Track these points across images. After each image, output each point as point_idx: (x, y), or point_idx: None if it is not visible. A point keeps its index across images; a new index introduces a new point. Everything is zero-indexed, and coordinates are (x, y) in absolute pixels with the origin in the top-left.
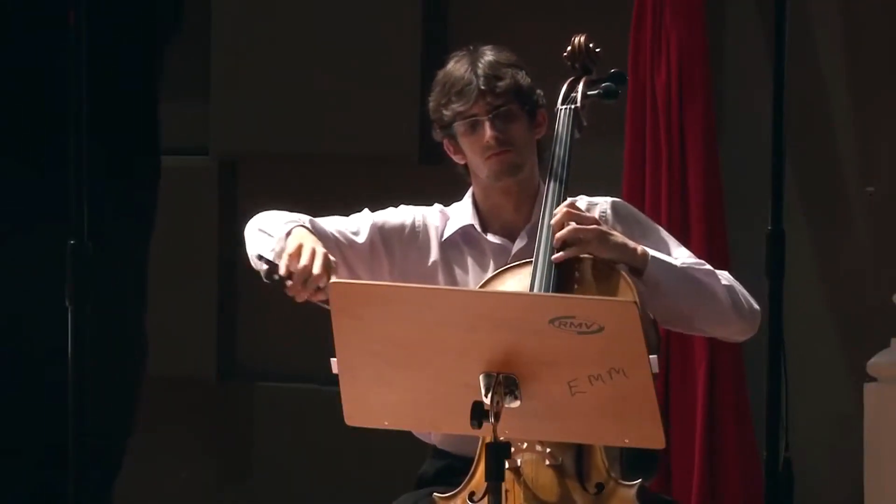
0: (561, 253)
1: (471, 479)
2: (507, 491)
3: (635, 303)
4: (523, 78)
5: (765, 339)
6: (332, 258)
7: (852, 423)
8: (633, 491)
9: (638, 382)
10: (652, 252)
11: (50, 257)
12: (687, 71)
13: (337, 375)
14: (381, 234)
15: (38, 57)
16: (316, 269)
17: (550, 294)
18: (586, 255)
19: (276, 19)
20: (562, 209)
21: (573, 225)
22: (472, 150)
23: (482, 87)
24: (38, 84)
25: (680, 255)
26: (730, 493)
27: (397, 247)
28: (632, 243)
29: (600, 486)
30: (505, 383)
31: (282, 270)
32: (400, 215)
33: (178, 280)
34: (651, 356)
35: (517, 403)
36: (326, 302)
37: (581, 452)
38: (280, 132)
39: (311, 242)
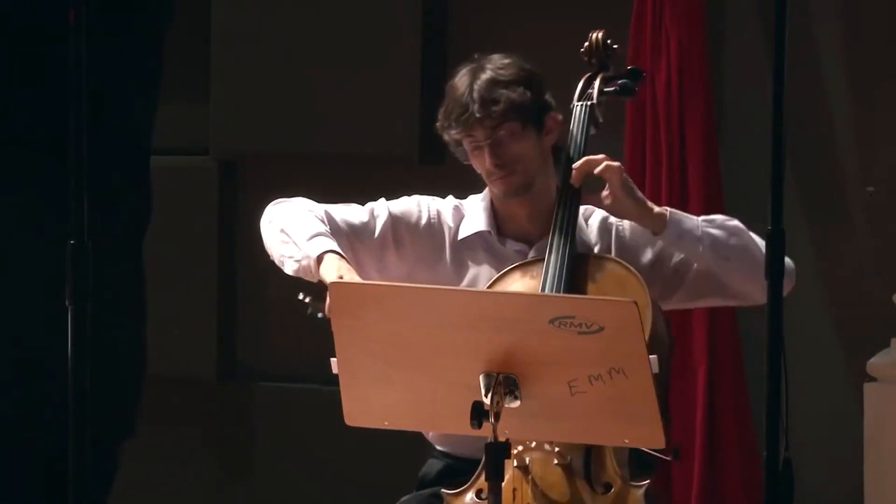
0: (579, 167)
1: (479, 476)
2: (515, 489)
3: (635, 303)
4: (521, 94)
5: (765, 339)
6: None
7: (852, 423)
8: (641, 492)
9: (638, 382)
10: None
11: (50, 257)
12: (687, 71)
13: (337, 375)
14: (394, 228)
15: (38, 56)
16: None
17: (551, 294)
18: (599, 255)
19: (276, 19)
20: (583, 159)
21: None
22: (480, 171)
23: (478, 115)
24: (37, 82)
25: None
26: (730, 493)
27: (408, 241)
28: (651, 204)
29: (608, 486)
30: (505, 383)
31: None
32: (415, 208)
33: (178, 280)
34: (651, 356)
35: (517, 403)
36: None
37: (590, 452)
38: (280, 132)
39: (348, 275)
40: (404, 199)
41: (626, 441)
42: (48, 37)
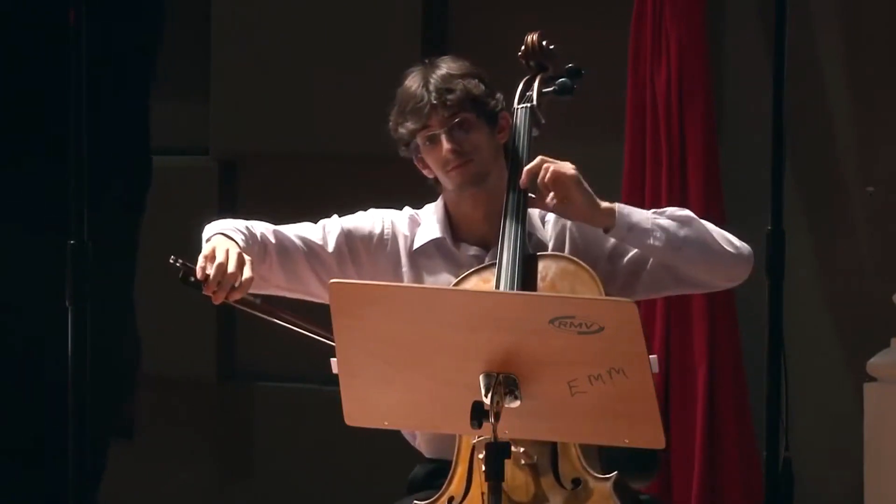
0: (526, 173)
1: (449, 483)
2: (483, 493)
3: (636, 303)
4: (476, 86)
5: (765, 339)
6: (246, 256)
7: (852, 423)
8: (609, 484)
9: (638, 382)
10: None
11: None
12: (687, 71)
13: (337, 375)
14: (349, 243)
15: (37, 59)
16: (230, 268)
17: (551, 294)
18: (550, 254)
19: (276, 19)
20: (536, 159)
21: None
22: (435, 165)
23: (434, 102)
24: (37, 86)
25: None
26: (730, 493)
27: (364, 255)
28: (598, 200)
29: (577, 482)
30: (505, 383)
31: (197, 272)
32: (368, 222)
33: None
34: (651, 356)
35: (517, 403)
36: (241, 302)
37: (556, 450)
38: (280, 132)
39: (224, 244)
40: (358, 213)
41: (626, 441)
42: (48, 37)
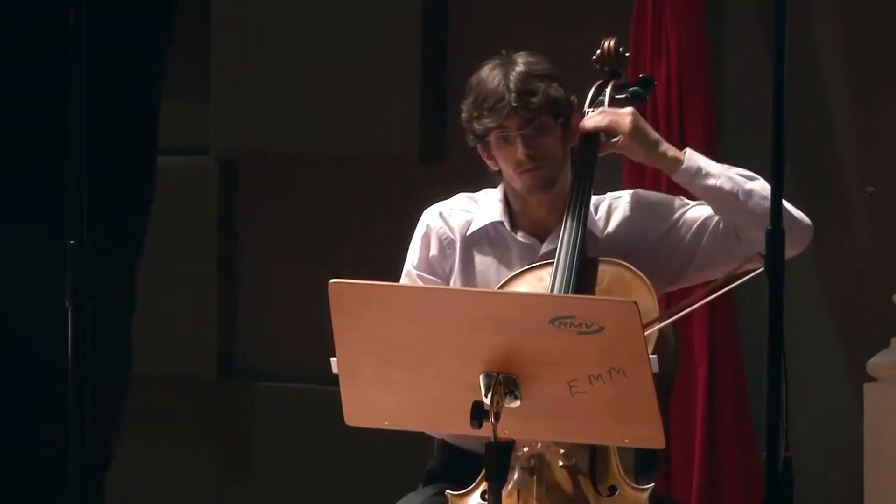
0: (586, 125)
1: (484, 476)
2: (519, 490)
3: (635, 303)
4: (556, 90)
5: (765, 339)
6: None
7: (852, 423)
8: (646, 495)
9: (638, 382)
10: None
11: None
12: (687, 71)
13: (337, 375)
14: (429, 272)
15: (37, 56)
16: None
17: (550, 294)
18: (608, 259)
19: (276, 19)
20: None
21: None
22: (506, 164)
23: (514, 104)
24: (37, 86)
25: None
26: (730, 493)
27: (439, 267)
28: (665, 148)
29: (613, 489)
30: (505, 383)
31: None
32: (425, 242)
33: (178, 280)
34: (651, 356)
35: (517, 403)
36: None
37: (595, 454)
38: (280, 132)
39: None
40: (412, 244)
41: (627, 441)
42: (48, 36)
